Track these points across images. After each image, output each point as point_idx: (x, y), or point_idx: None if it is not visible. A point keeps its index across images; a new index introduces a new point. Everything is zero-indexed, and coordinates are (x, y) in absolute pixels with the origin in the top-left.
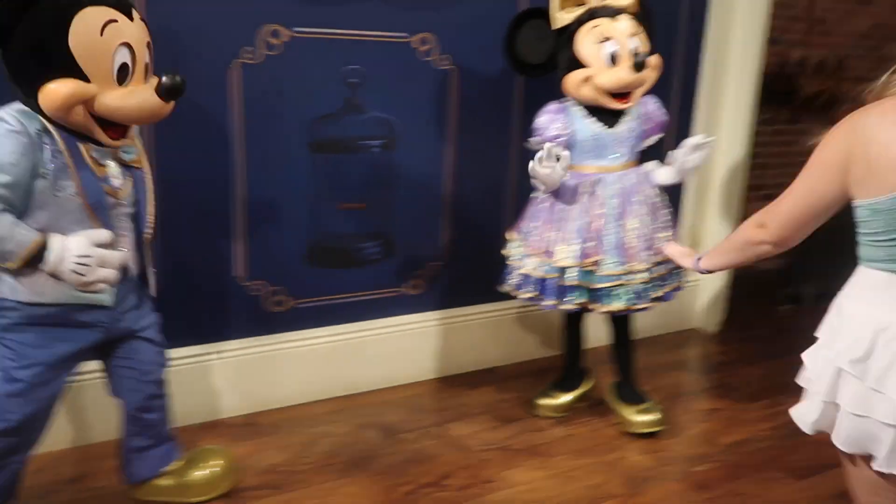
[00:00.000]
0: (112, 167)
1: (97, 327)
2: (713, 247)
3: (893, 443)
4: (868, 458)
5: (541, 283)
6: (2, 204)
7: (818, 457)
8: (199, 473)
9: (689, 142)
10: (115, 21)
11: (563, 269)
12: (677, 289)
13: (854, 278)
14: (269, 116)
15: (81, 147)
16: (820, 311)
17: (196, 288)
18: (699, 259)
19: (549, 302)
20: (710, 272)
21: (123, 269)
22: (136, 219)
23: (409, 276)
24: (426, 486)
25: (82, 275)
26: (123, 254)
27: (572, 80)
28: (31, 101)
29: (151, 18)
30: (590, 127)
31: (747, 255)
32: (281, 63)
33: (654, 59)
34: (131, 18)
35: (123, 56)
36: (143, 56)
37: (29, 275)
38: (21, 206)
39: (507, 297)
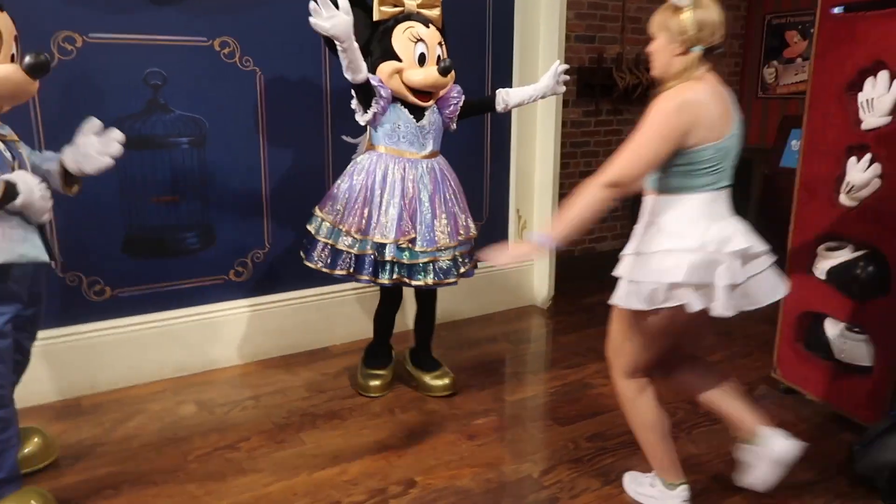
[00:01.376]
0: None
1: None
2: (556, 221)
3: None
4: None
5: (355, 260)
6: None
7: (582, 408)
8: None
9: (558, 67)
10: None
11: (379, 246)
12: (475, 266)
13: (679, 207)
14: (68, 117)
15: None
16: None
17: None
18: (549, 239)
19: (364, 277)
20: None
21: None
22: None
23: (233, 263)
24: (221, 448)
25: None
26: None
27: (385, 69)
28: None
29: None
30: (403, 113)
31: (598, 212)
32: (78, 68)
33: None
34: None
35: None
36: (11, 46)
37: None
38: None
39: (328, 280)
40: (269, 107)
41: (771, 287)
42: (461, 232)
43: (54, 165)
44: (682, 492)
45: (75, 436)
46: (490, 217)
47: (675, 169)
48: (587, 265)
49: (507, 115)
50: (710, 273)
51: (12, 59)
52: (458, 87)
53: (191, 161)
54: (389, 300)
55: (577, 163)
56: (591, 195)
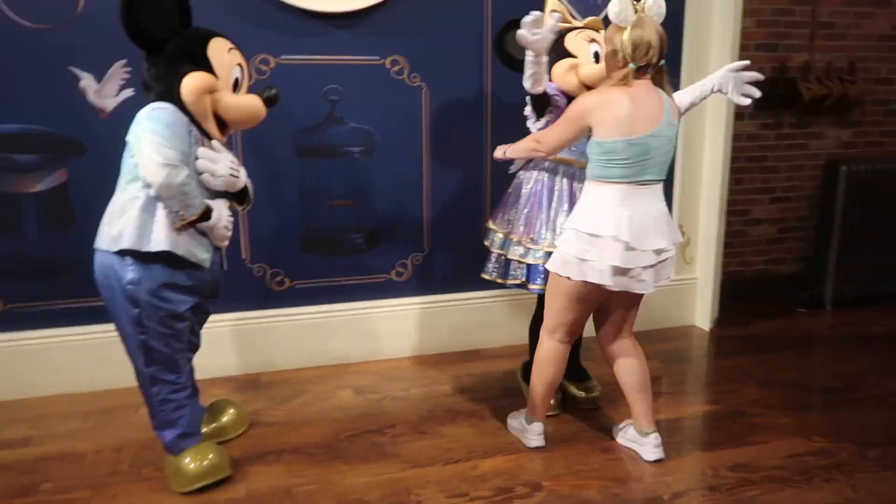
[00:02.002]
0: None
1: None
2: (512, 144)
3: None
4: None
5: (527, 269)
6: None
7: (730, 436)
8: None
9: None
10: (234, 49)
11: (548, 255)
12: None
13: (597, 192)
14: (261, 129)
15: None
16: (833, 315)
17: None
18: (504, 151)
19: (535, 286)
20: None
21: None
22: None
23: (394, 264)
24: (368, 432)
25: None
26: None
27: (561, 66)
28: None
29: None
30: None
31: (530, 156)
32: (270, 85)
33: None
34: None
35: (237, 72)
36: (246, 80)
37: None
38: None
39: (485, 284)
40: (432, 119)
41: (666, 270)
42: None
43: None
44: (540, 426)
45: (251, 406)
46: None
47: (595, 158)
48: (760, 288)
49: None
50: (603, 253)
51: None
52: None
53: (361, 169)
54: None
55: (752, 178)
56: (524, 141)
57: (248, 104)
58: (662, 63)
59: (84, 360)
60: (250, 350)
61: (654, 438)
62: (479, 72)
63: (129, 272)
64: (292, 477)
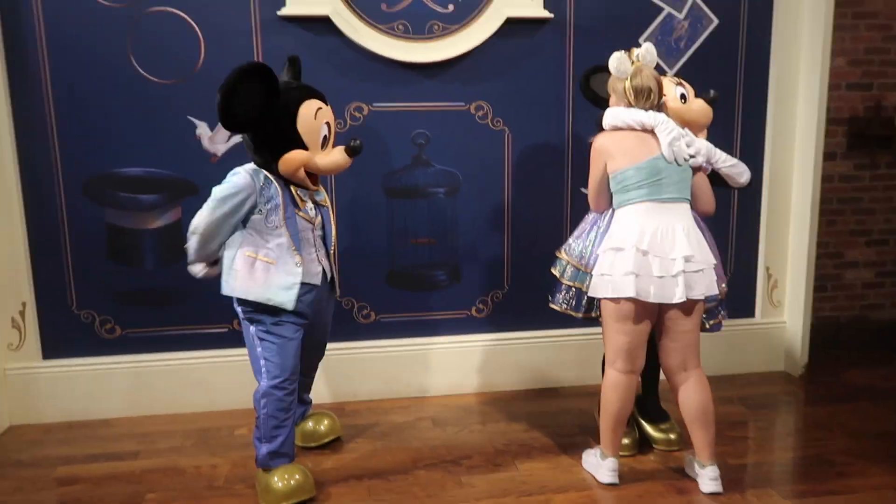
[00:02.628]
0: (309, 204)
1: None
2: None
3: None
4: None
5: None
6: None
7: (814, 485)
8: (315, 426)
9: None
10: (321, 109)
11: None
12: (719, 323)
13: (619, 218)
14: (352, 170)
15: (292, 189)
16: None
17: None
18: None
19: None
20: None
21: (322, 272)
22: (325, 240)
23: (475, 300)
24: (446, 462)
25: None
26: None
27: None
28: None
29: None
30: None
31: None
32: (362, 131)
33: None
34: (327, 104)
35: (325, 130)
36: (333, 128)
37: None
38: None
39: (562, 322)
40: (514, 161)
41: (701, 286)
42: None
43: None
44: (614, 463)
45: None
46: (735, 273)
47: (614, 190)
48: (856, 334)
49: (758, 167)
50: (633, 265)
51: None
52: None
53: (445, 208)
54: None
55: (846, 220)
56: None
57: (334, 161)
58: (662, 101)
59: (187, 383)
60: (337, 380)
61: (712, 471)
62: (560, 116)
63: (237, 308)
64: (372, 500)
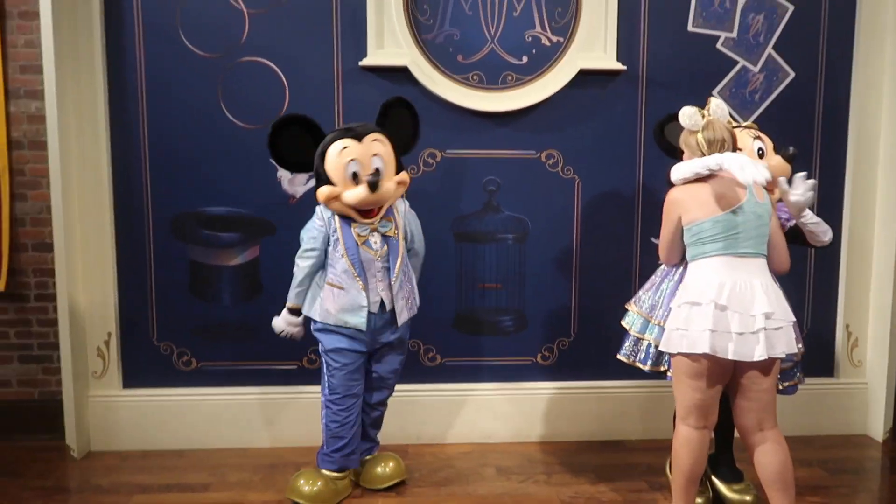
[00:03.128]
0: (375, 237)
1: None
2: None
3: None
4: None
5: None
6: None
7: None
8: (380, 469)
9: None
10: (347, 147)
11: None
12: (795, 386)
13: (694, 271)
14: (424, 215)
15: (351, 225)
16: None
17: None
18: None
19: (670, 372)
20: None
21: (381, 302)
22: (389, 271)
23: (541, 347)
24: None
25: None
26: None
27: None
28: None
29: None
30: None
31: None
32: (436, 176)
33: None
34: (362, 139)
35: (353, 167)
36: (368, 163)
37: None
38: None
39: (629, 373)
40: (584, 209)
41: (781, 344)
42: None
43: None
44: None
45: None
46: (813, 331)
47: (689, 243)
48: None
49: (837, 222)
50: (712, 321)
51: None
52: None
53: (513, 254)
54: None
55: None
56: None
57: (356, 195)
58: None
59: (258, 418)
60: (400, 421)
61: None
62: (630, 166)
63: (313, 328)
64: None
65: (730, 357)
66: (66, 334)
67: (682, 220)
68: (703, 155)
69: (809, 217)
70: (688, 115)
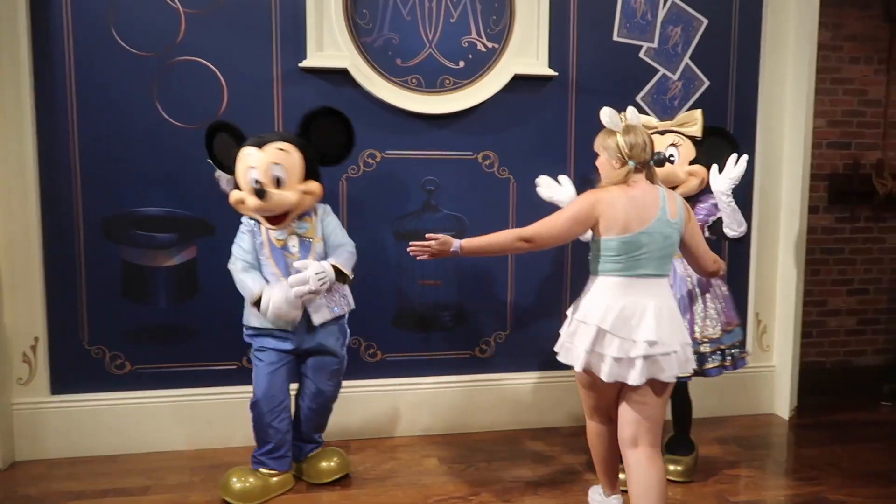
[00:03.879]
0: (292, 241)
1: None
2: (471, 240)
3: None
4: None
5: None
6: (243, 263)
7: None
8: (324, 464)
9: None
10: (250, 154)
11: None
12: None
13: (595, 286)
14: (364, 214)
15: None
16: None
17: None
18: (457, 246)
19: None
20: (468, 254)
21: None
22: None
23: (478, 341)
24: (455, 498)
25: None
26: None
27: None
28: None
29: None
30: None
31: (507, 252)
32: (375, 177)
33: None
34: (261, 149)
35: (252, 174)
36: (267, 171)
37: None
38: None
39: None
40: (518, 208)
41: (669, 369)
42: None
43: (333, 261)
44: (617, 500)
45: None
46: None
47: (593, 254)
48: (839, 379)
49: (746, 218)
50: (590, 343)
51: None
52: (714, 201)
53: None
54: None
55: (829, 269)
56: (507, 239)
57: (250, 204)
58: (652, 163)
59: (196, 419)
60: (343, 418)
61: None
62: (562, 166)
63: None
64: None
65: (603, 378)
66: None
67: (595, 228)
68: (623, 157)
69: (730, 202)
70: (608, 114)
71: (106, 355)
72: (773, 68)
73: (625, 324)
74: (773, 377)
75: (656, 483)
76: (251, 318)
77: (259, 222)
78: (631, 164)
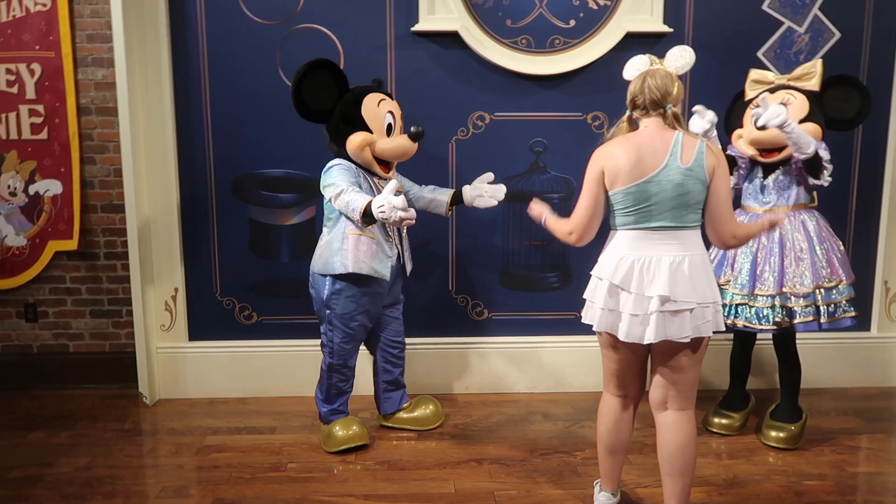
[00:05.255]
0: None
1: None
2: (556, 218)
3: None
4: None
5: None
6: (353, 188)
7: None
8: (420, 412)
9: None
10: (384, 100)
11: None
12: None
13: (612, 240)
14: (473, 176)
15: (370, 179)
16: None
17: (424, 298)
18: (545, 218)
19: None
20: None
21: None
22: None
23: (584, 302)
24: (560, 453)
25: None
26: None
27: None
28: (343, 152)
29: (405, 107)
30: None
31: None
32: (484, 138)
33: None
34: (392, 98)
35: (388, 119)
36: (399, 119)
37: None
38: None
39: None
40: None
41: (685, 328)
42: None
43: (444, 196)
44: (606, 498)
45: (452, 421)
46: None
47: (608, 211)
48: None
49: (879, 178)
50: (605, 300)
51: (401, 128)
52: (822, 145)
53: (560, 213)
54: (739, 342)
55: None
56: (560, 232)
57: (397, 145)
58: (669, 108)
59: (315, 367)
60: (449, 373)
61: None
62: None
63: (326, 288)
64: (494, 482)
65: (620, 338)
66: (138, 290)
67: (607, 183)
68: (628, 107)
69: (792, 128)
70: (628, 65)
71: (236, 306)
72: None
73: (638, 278)
74: None
75: (681, 448)
76: (351, 262)
77: (364, 169)
78: (627, 112)
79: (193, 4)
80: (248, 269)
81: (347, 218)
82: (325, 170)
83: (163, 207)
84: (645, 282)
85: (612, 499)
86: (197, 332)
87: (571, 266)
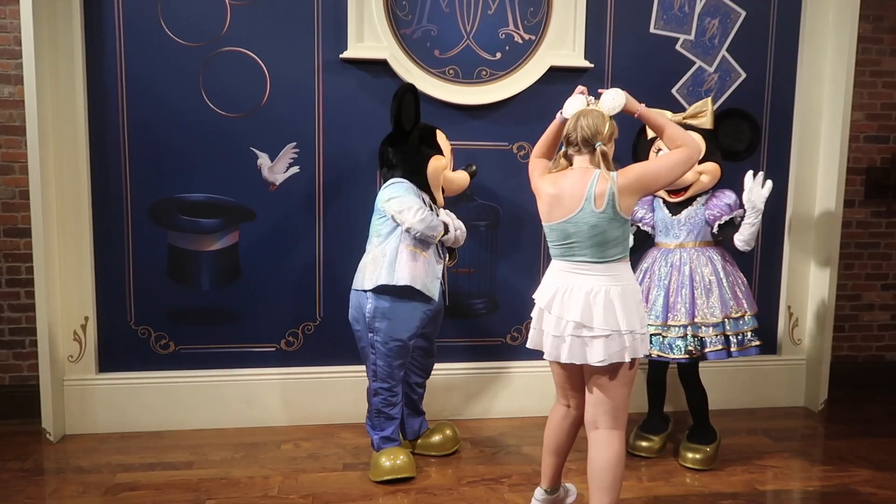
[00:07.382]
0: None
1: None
2: (649, 111)
3: (570, 343)
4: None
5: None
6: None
7: None
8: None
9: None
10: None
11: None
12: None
13: (549, 268)
14: None
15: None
16: None
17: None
18: (633, 103)
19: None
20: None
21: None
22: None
23: (510, 328)
24: (487, 480)
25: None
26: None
27: None
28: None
29: (334, 134)
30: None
31: None
32: None
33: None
34: None
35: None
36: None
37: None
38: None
39: None
40: None
41: (598, 353)
42: (696, 315)
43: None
44: (540, 493)
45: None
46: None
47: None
48: (871, 374)
49: (781, 211)
50: (536, 320)
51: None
52: (733, 198)
53: (486, 241)
54: (653, 368)
55: (863, 264)
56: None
57: (462, 178)
58: (598, 145)
59: (236, 399)
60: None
61: None
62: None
63: (371, 305)
64: None
65: (545, 356)
66: (45, 319)
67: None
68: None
69: (758, 219)
70: (567, 102)
71: (152, 335)
72: (811, 60)
73: (559, 303)
74: (804, 370)
75: (610, 465)
76: (408, 275)
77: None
78: (563, 148)
79: (111, 23)
80: (166, 296)
81: (408, 233)
82: (388, 185)
83: (73, 231)
84: (565, 307)
85: (544, 494)
86: (108, 362)
87: (498, 293)
